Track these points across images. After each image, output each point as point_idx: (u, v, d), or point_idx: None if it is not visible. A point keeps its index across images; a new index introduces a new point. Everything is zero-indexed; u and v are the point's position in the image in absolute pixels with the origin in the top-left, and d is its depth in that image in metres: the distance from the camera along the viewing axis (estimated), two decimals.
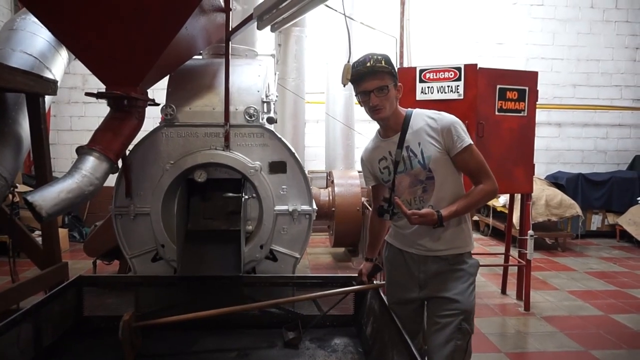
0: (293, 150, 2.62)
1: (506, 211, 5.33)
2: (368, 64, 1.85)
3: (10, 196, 2.96)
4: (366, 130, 7.20)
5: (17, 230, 3.19)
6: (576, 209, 6.40)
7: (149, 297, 2.36)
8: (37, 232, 4.09)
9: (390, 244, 2.09)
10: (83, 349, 2.09)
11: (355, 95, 1.95)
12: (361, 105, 1.95)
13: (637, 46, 8.13)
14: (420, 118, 1.91)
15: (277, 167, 2.59)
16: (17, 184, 4.59)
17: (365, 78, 1.86)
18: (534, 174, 4.18)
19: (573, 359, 3.20)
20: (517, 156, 4.03)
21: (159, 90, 2.72)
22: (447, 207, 1.83)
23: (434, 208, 1.85)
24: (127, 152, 2.47)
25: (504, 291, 4.58)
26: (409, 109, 1.97)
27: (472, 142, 1.87)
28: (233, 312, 2.08)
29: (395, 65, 1.93)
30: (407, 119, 1.92)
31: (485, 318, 3.88)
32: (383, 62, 1.86)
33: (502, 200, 6.55)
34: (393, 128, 1.94)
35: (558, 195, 6.47)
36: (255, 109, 2.58)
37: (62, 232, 5.73)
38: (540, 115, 4.82)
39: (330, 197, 5.60)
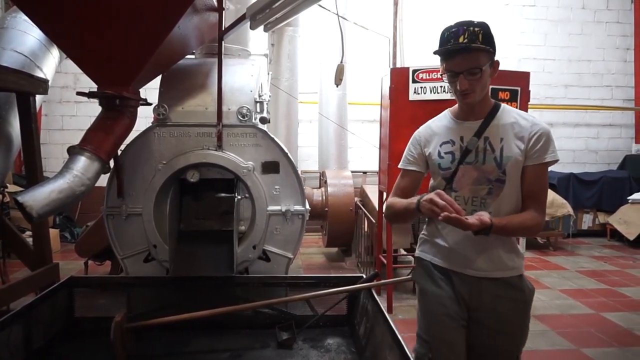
0: (286, 150, 2.61)
1: None
2: (461, 40, 1.56)
3: (1, 196, 2.93)
4: (359, 130, 7.22)
5: (8, 230, 3.16)
6: (567, 209, 6.46)
7: (141, 298, 2.35)
8: (28, 233, 4.06)
9: (426, 261, 1.78)
10: (74, 351, 2.07)
11: (442, 74, 1.66)
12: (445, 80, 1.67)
13: (628, 47, 8.21)
14: (510, 115, 1.68)
15: (270, 167, 2.58)
16: (8, 184, 4.55)
17: (455, 56, 1.58)
18: None
19: (565, 357, 3.23)
20: None
21: (151, 90, 2.71)
22: (498, 218, 1.56)
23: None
24: (119, 152, 2.45)
25: None
26: (495, 101, 1.74)
27: (556, 160, 1.64)
28: (226, 313, 2.07)
29: (492, 37, 1.60)
30: (495, 108, 1.69)
31: None
32: (480, 37, 1.57)
33: None
34: (476, 112, 1.69)
35: (550, 194, 6.52)
36: (248, 108, 2.58)
37: (53, 233, 5.69)
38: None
39: (323, 197, 5.61)
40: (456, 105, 1.76)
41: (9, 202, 3.20)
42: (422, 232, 1.90)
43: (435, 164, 1.73)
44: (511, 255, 1.69)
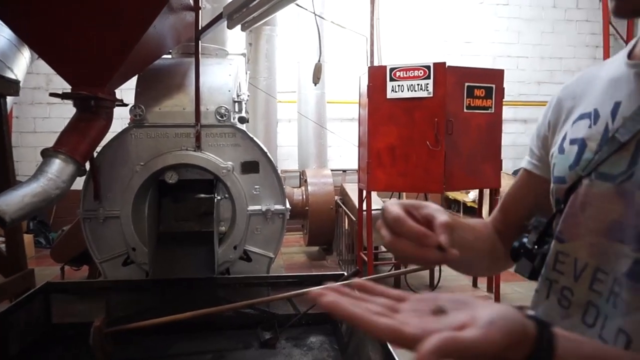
0: (265, 150, 2.61)
1: (476, 206, 5.45)
2: None
3: None
4: (338, 128, 7.25)
5: None
6: None
7: (120, 302, 2.31)
8: (1, 239, 3.95)
9: None
10: (53, 357, 2.03)
11: None
12: None
13: (597, 44, 8.45)
14: None
15: (249, 167, 2.58)
16: None
17: None
18: (501, 170, 4.31)
19: None
20: (485, 152, 4.13)
21: (127, 91, 2.67)
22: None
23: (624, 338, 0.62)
24: (95, 154, 2.41)
25: (475, 284, 4.69)
26: None
27: None
28: (208, 314, 2.06)
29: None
30: None
31: None
32: None
33: (471, 195, 6.70)
34: None
35: None
36: (227, 108, 2.56)
37: (27, 238, 5.55)
38: (507, 112, 4.97)
39: (304, 196, 5.61)
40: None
41: None
42: None
43: (551, 165, 0.81)
44: None
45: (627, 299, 0.61)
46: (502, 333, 0.43)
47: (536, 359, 0.46)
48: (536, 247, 0.80)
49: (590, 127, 0.74)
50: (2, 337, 1.87)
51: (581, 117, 0.77)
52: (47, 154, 2.07)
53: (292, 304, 2.33)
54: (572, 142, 0.76)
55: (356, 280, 0.55)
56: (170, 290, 2.34)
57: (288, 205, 2.64)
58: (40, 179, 1.98)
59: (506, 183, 6.78)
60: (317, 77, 3.18)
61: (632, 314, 0.60)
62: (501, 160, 4.27)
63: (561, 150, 0.78)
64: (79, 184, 2.30)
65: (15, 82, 2.91)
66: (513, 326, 0.45)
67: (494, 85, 4.16)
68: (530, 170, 0.91)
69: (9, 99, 2.98)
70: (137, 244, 2.48)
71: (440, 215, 0.67)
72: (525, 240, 0.83)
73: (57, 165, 2.04)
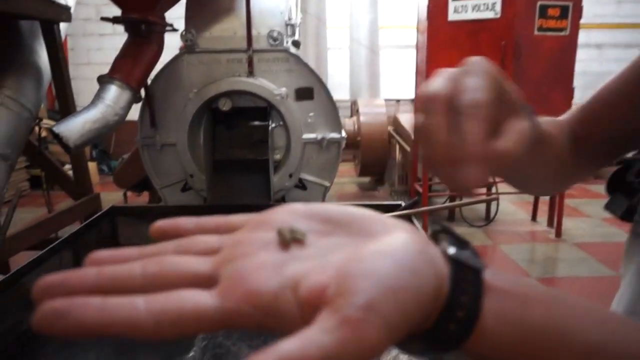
0: (319, 76, 2.49)
1: None
2: None
3: (37, 128, 2.96)
4: (392, 56, 6.89)
5: (48, 163, 3.24)
6: None
7: None
8: (67, 166, 4.17)
9: None
10: None
11: None
12: None
13: None
14: None
15: (303, 94, 2.48)
16: (43, 118, 4.61)
17: None
18: (572, 99, 3.97)
19: (606, 283, 3.19)
20: (555, 79, 3.80)
21: (172, 20, 2.58)
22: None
23: None
24: (149, 82, 2.39)
25: (534, 218, 4.53)
26: None
27: None
28: None
29: None
30: None
31: (515, 245, 3.87)
32: None
33: None
34: None
35: None
36: (279, 32, 2.43)
37: (92, 166, 5.85)
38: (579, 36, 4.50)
39: (356, 127, 5.49)
40: None
41: (47, 136, 3.25)
42: None
43: None
44: None
45: None
46: (385, 327, 0.22)
47: (436, 338, 0.26)
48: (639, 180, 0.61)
49: None
50: (76, 255, 1.99)
51: None
52: (103, 81, 2.07)
53: None
54: None
55: (157, 223, 0.38)
56: (228, 215, 2.38)
57: (344, 134, 2.55)
58: (99, 105, 2.00)
59: None
60: None
61: None
62: (573, 88, 3.91)
63: None
64: (133, 114, 2.31)
65: (66, 8, 2.88)
66: (412, 302, 0.24)
67: (570, 3, 3.72)
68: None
69: (62, 26, 2.98)
70: (195, 171, 2.50)
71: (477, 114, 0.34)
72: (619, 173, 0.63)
73: (113, 92, 2.04)
